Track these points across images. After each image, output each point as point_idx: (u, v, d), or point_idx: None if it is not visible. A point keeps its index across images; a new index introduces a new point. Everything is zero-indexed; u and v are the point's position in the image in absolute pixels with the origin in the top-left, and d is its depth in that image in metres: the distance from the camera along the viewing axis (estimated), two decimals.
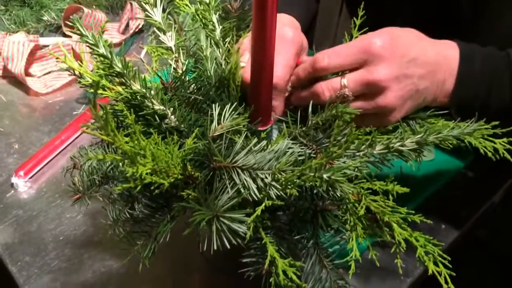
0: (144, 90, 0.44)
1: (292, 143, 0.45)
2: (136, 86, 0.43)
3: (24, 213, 0.70)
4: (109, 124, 0.33)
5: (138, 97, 0.44)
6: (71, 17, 1.05)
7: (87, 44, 0.41)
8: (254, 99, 0.49)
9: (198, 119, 0.49)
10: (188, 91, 0.52)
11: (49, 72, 0.97)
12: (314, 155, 0.45)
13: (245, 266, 0.44)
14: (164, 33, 0.55)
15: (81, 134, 0.82)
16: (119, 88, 0.46)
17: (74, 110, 0.88)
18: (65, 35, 1.04)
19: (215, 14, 0.58)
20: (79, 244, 0.66)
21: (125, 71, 0.42)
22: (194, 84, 0.53)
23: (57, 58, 0.45)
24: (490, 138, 0.52)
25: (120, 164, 0.36)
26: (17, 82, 0.93)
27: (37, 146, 0.80)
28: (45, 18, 1.06)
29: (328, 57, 0.51)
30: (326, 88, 0.51)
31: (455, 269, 0.43)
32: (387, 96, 0.51)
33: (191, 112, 0.50)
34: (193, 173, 0.42)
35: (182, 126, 0.48)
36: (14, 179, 0.74)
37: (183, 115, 0.48)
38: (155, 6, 0.54)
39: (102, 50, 0.41)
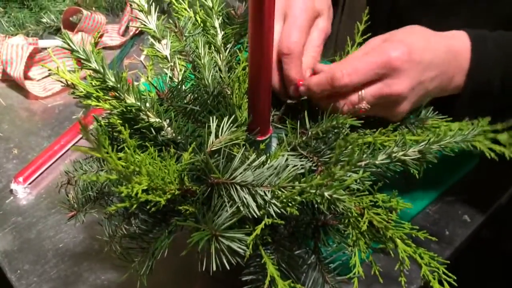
0: (138, 103, 0.43)
1: (292, 156, 0.44)
2: (131, 100, 0.42)
3: (23, 220, 0.70)
4: (102, 145, 0.32)
5: (132, 110, 0.43)
6: (70, 18, 1.04)
7: (78, 59, 0.40)
8: (253, 108, 0.48)
9: (195, 130, 0.48)
10: (185, 101, 0.50)
11: (49, 75, 0.96)
12: (315, 168, 0.44)
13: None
14: (159, 41, 0.54)
15: (80, 139, 0.81)
16: (114, 101, 0.44)
17: (73, 114, 0.87)
18: None
19: (218, 19, 0.56)
20: (79, 252, 0.65)
21: (118, 85, 0.41)
22: (191, 94, 0.52)
23: (49, 70, 0.44)
24: (492, 135, 0.51)
25: (115, 183, 0.34)
26: (17, 85, 0.92)
27: (36, 151, 0.80)
28: (44, 20, 1.04)
29: (348, 76, 0.51)
30: (345, 103, 0.52)
31: (457, 266, 0.42)
32: (402, 104, 0.53)
33: (188, 123, 0.49)
34: (190, 187, 0.41)
35: (179, 137, 0.46)
36: (13, 186, 0.73)
37: (180, 126, 0.47)
38: (149, 13, 0.52)
39: (94, 65, 0.40)
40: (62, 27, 1.02)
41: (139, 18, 0.52)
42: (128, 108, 0.43)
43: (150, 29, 0.53)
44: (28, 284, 0.62)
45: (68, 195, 0.43)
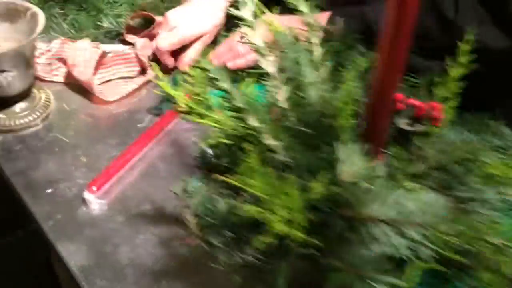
0: (261, 125, 0.40)
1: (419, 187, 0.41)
2: (254, 122, 0.40)
3: (97, 232, 0.68)
4: (254, 173, 0.29)
5: (253, 132, 0.41)
6: (130, 23, 1.02)
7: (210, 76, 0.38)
8: (370, 132, 0.45)
9: (305, 152, 0.46)
10: (292, 123, 0.48)
11: (108, 81, 0.95)
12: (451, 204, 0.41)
13: None
14: (264, 57, 0.51)
15: (149, 149, 0.80)
16: (229, 121, 0.42)
17: (139, 122, 0.86)
18: (124, 42, 1.02)
19: (317, 35, 0.54)
20: (158, 270, 0.63)
21: (246, 107, 0.39)
22: (296, 115, 0.49)
23: (161, 87, 0.42)
24: None
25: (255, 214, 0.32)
26: (79, 89, 0.91)
27: (104, 159, 0.78)
28: (104, 24, 1.04)
29: None
30: None
31: None
32: None
33: (297, 145, 0.47)
34: (317, 219, 0.38)
35: (292, 161, 0.44)
36: (86, 195, 0.71)
37: (294, 149, 0.44)
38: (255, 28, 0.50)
39: (224, 85, 0.37)
40: (124, 31, 1.01)
41: (245, 34, 0.50)
42: (249, 130, 0.41)
43: (254, 44, 0.51)
44: None
45: (186, 219, 0.41)
